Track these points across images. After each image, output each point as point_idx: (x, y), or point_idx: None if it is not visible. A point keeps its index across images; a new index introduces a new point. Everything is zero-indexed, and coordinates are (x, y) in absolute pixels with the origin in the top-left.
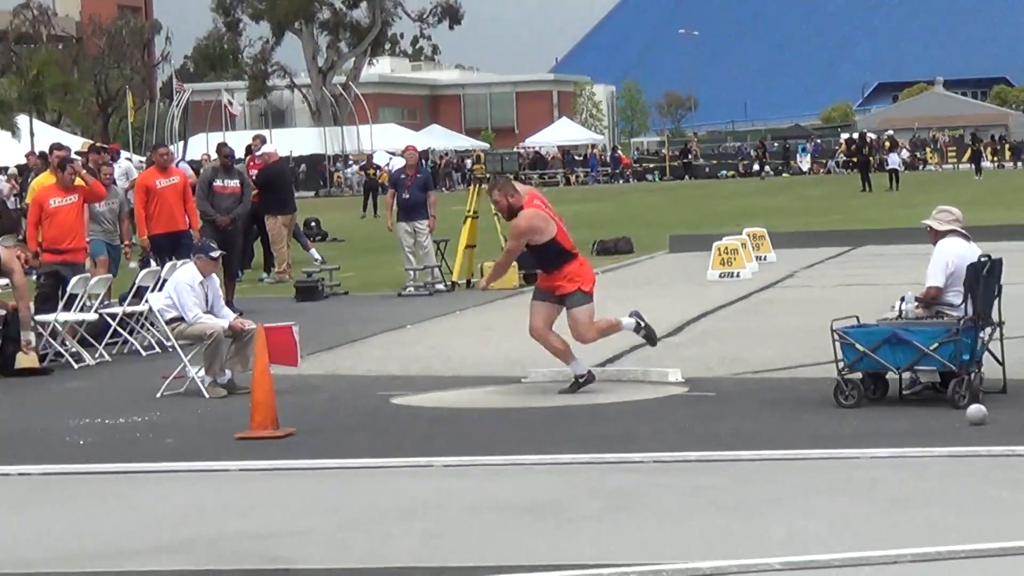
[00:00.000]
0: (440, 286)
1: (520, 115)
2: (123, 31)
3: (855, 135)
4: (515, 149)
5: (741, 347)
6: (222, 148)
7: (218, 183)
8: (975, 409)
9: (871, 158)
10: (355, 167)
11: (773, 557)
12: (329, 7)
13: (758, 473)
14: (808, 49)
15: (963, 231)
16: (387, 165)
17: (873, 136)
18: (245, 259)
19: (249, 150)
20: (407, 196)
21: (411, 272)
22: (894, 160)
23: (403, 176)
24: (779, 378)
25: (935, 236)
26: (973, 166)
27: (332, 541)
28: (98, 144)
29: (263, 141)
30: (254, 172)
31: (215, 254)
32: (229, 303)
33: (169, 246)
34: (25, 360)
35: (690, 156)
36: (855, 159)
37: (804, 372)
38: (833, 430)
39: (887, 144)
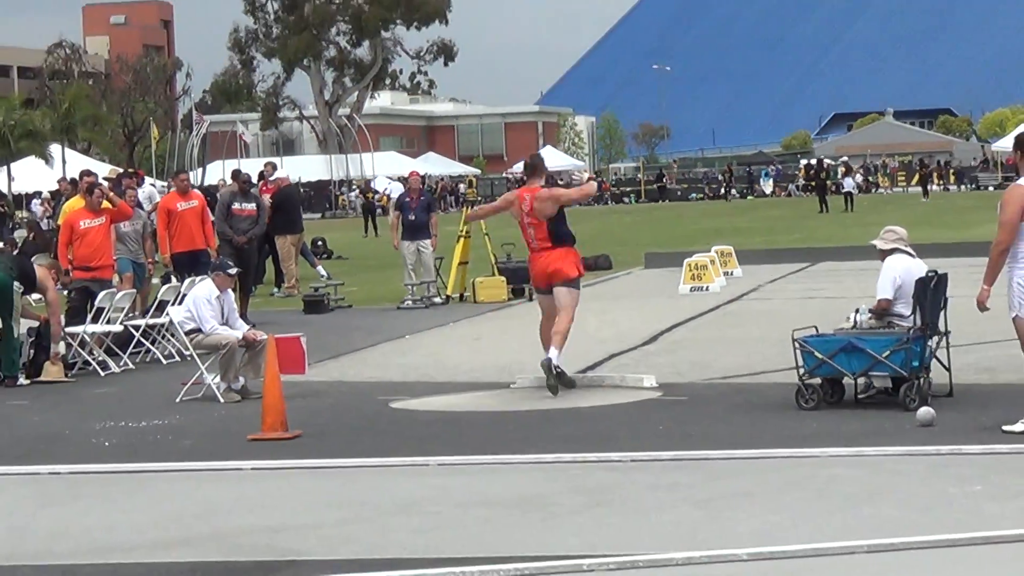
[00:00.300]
0: (436, 299)
1: (508, 143)
2: (148, 68)
3: (813, 161)
4: (504, 174)
5: (710, 355)
6: (238, 175)
7: (236, 206)
8: (924, 411)
9: (828, 182)
10: (357, 191)
11: (740, 548)
12: (335, 46)
13: (727, 471)
14: (770, 83)
15: (907, 248)
16: (385, 190)
17: (830, 162)
18: (258, 275)
19: (262, 176)
20: (412, 217)
21: (410, 287)
22: (848, 183)
23: (408, 199)
24: (745, 383)
25: (882, 254)
26: (921, 189)
27: (336, 534)
28: (130, 170)
29: (274, 168)
30: (266, 196)
31: (232, 271)
32: (244, 316)
33: (189, 263)
34: (52, 371)
35: (664, 180)
36: (813, 183)
37: (768, 378)
38: (794, 431)
39: (843, 169)
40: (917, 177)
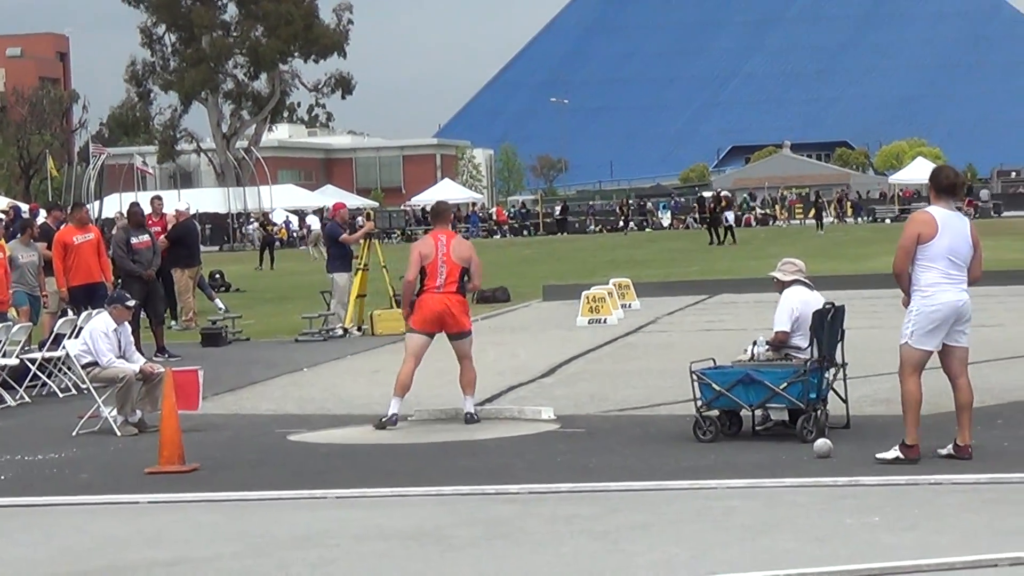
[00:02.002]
0: (337, 331)
1: (407, 176)
2: (44, 100)
3: (708, 194)
4: (402, 207)
5: (608, 387)
6: (134, 207)
7: (135, 240)
8: (821, 443)
9: (723, 215)
10: (255, 224)
11: None
12: (232, 78)
13: (625, 503)
14: (668, 116)
15: (806, 280)
16: (284, 221)
17: (727, 194)
18: (169, 305)
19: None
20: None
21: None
22: (729, 217)
23: (344, 228)
24: (643, 415)
25: (781, 286)
26: (816, 222)
27: (234, 568)
28: (56, 202)
29: (162, 202)
30: (156, 228)
31: (130, 303)
32: (161, 348)
33: (85, 296)
34: None
35: (567, 213)
36: (708, 215)
37: (665, 410)
38: (692, 463)
39: (723, 203)
40: (813, 210)
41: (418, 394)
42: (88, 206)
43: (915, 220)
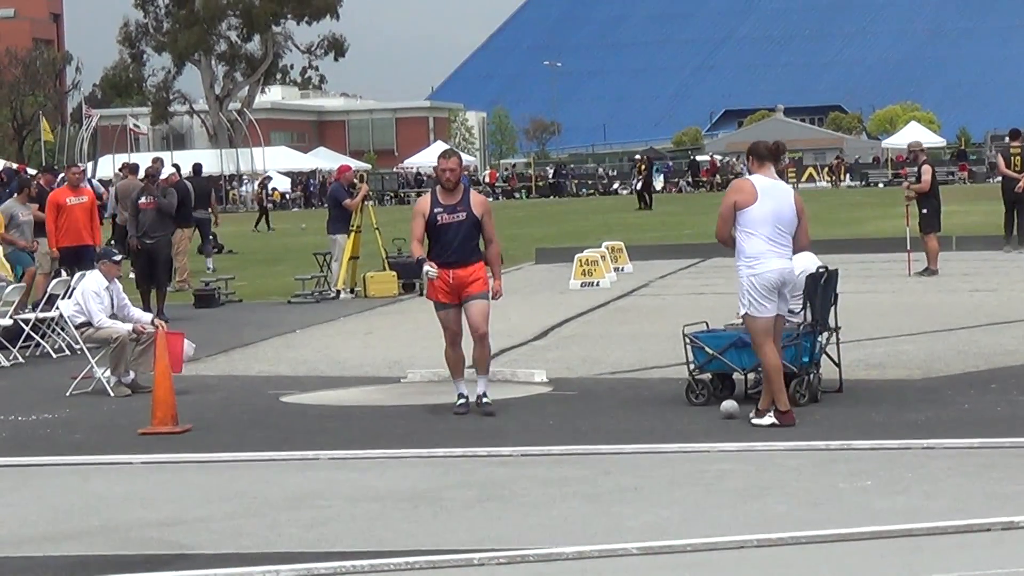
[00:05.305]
0: (329, 293)
1: (399, 139)
2: (37, 62)
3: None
4: (395, 169)
5: (600, 350)
6: (155, 165)
7: (142, 200)
8: (728, 403)
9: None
10: (252, 186)
11: (631, 543)
12: (225, 40)
13: (617, 465)
14: (660, 79)
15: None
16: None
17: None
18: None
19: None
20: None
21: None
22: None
23: (348, 191)
24: (635, 378)
25: None
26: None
27: (226, 528)
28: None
29: (162, 164)
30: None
31: (117, 258)
32: (160, 311)
33: (73, 258)
34: None
35: (562, 176)
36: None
37: (658, 373)
38: (685, 426)
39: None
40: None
41: (411, 356)
42: (84, 166)
43: (733, 188)
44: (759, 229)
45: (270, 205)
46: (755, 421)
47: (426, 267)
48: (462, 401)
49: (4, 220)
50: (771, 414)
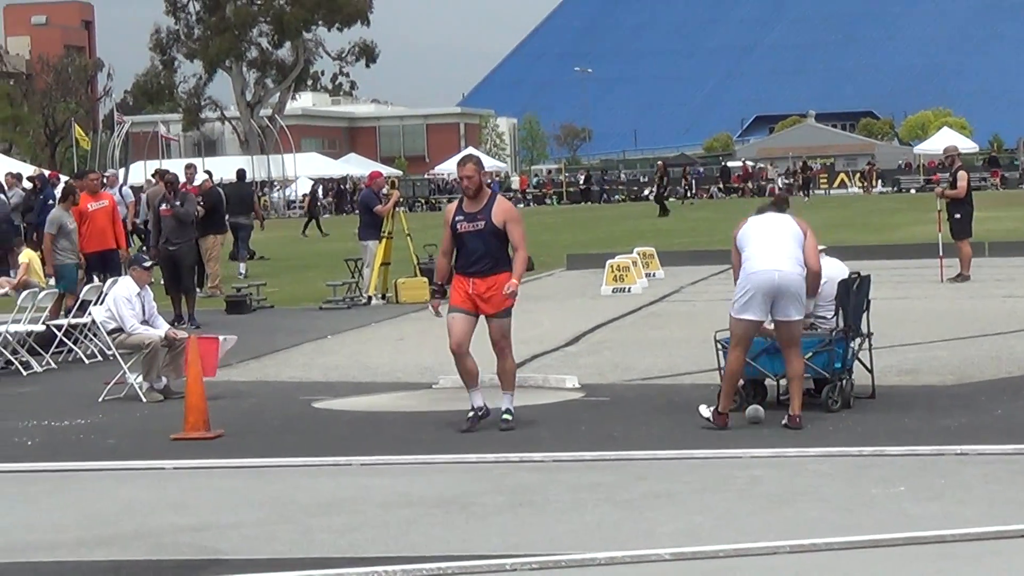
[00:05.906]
0: (361, 300)
1: (430, 145)
2: (69, 68)
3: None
4: (426, 176)
5: (632, 356)
6: (170, 175)
7: (163, 207)
8: (752, 409)
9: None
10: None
11: (663, 548)
12: (256, 47)
13: (649, 471)
14: (691, 85)
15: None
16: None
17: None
18: (199, 275)
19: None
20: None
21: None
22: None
23: (379, 197)
24: (667, 384)
25: None
26: (803, 192)
27: (258, 534)
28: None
29: (195, 170)
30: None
31: (147, 264)
32: (191, 316)
33: (99, 263)
34: None
35: (591, 183)
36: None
37: (689, 379)
38: (716, 432)
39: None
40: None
41: (442, 362)
42: (116, 172)
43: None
44: (756, 237)
45: (320, 209)
46: (700, 408)
47: (430, 305)
48: (470, 415)
49: (53, 231)
50: (711, 410)
